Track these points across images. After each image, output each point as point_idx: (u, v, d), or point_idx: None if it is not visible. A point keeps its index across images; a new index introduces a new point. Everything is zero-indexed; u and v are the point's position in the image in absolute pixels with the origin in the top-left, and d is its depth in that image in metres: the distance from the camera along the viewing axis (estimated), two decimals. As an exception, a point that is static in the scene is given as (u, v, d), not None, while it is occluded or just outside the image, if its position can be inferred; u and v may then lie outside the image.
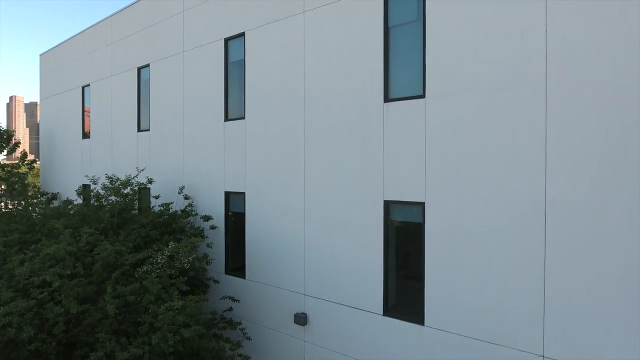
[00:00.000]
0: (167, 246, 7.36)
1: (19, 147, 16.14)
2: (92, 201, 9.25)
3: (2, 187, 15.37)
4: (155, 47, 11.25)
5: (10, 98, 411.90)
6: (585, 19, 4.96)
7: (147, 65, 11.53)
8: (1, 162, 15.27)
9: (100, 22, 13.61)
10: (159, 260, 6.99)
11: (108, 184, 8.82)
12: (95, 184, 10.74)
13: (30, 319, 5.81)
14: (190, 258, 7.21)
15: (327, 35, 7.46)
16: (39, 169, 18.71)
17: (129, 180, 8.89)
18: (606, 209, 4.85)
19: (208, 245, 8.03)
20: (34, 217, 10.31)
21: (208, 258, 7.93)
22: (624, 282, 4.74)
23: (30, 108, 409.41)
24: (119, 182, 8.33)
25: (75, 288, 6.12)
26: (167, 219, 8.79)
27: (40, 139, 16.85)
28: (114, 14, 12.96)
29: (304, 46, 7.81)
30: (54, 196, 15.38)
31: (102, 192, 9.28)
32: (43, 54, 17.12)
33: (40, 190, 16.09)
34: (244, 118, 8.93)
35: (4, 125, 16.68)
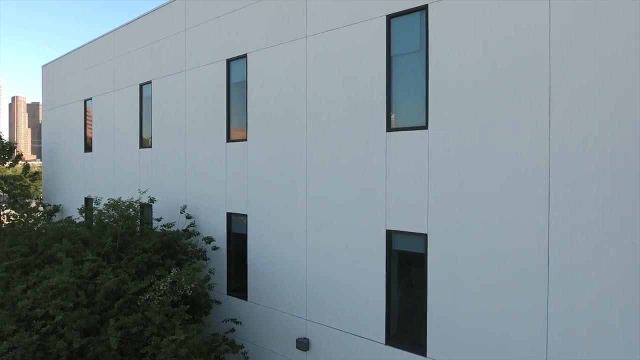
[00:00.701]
0: (170, 272, 7.37)
1: (21, 159, 16.18)
2: (94, 220, 9.24)
3: (4, 196, 15.42)
4: (157, 65, 11.26)
5: (13, 98, 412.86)
6: (590, 50, 4.93)
7: (149, 82, 11.54)
8: (4, 175, 15.28)
9: (102, 36, 13.63)
10: (161, 287, 7.00)
11: (111, 210, 8.84)
12: (98, 204, 10.80)
13: (33, 352, 5.83)
14: (192, 285, 7.21)
15: (329, 61, 7.45)
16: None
17: (131, 204, 8.90)
18: (610, 247, 4.83)
19: (210, 272, 8.02)
20: (36, 234, 10.33)
21: (210, 282, 7.93)
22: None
23: (32, 108, 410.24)
24: (122, 206, 8.33)
25: (78, 321, 6.14)
26: (169, 239, 8.79)
27: (42, 150, 16.89)
28: (116, 29, 12.96)
29: (306, 70, 7.80)
30: (56, 208, 15.42)
31: (105, 211, 9.30)
32: (45, 65, 17.15)
33: (42, 201, 16.15)
34: (246, 140, 8.92)
35: (5, 135, 16.75)
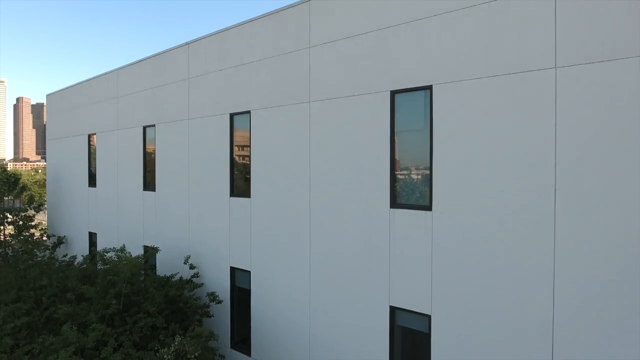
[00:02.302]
0: (174, 339, 7.39)
1: (25, 191, 16.28)
2: (98, 274, 9.26)
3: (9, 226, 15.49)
4: (160, 109, 11.28)
5: (17, 99, 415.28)
6: (594, 130, 4.90)
7: (153, 125, 11.56)
8: (9, 206, 15.38)
9: (106, 73, 13.66)
10: (165, 358, 7.02)
11: (120, 263, 8.91)
12: (106, 254, 10.85)
13: None
14: (196, 354, 7.22)
15: (333, 128, 7.43)
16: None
17: (138, 263, 8.93)
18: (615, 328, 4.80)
19: (212, 337, 8.00)
20: (39, 277, 10.38)
21: (216, 351, 7.96)
22: None
23: (37, 109, 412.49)
24: (126, 272, 8.35)
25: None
26: (173, 296, 8.81)
27: (47, 180, 16.97)
28: (120, 68, 12.99)
29: (309, 134, 7.79)
30: (60, 240, 15.50)
31: (110, 265, 9.33)
32: (50, 94, 17.22)
33: (47, 232, 16.23)
34: (249, 197, 8.93)
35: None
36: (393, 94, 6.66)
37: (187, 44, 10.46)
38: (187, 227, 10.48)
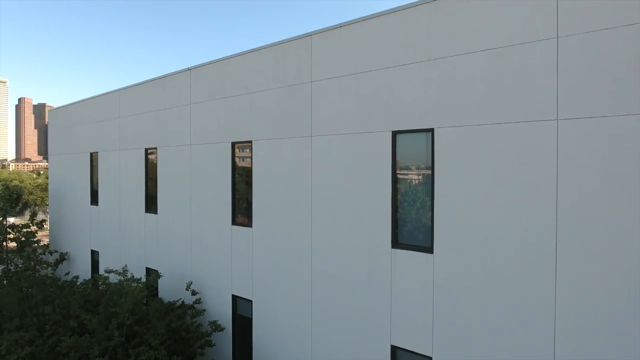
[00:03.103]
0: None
1: (27, 208, 16.34)
2: (102, 303, 9.29)
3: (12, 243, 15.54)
4: (162, 133, 11.31)
5: (19, 100, 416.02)
6: (595, 179, 4.91)
7: (155, 148, 11.59)
8: (12, 223, 15.43)
9: (108, 93, 13.71)
10: (167, 394, 7.06)
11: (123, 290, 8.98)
12: (108, 274, 10.94)
13: None
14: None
15: (334, 164, 7.45)
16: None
17: (140, 293, 8.96)
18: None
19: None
20: (42, 301, 10.42)
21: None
22: None
23: (39, 109, 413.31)
24: (128, 305, 8.38)
25: None
26: (176, 326, 8.84)
27: (49, 195, 17.02)
28: (121, 89, 13.03)
29: (311, 168, 7.81)
30: (62, 257, 15.55)
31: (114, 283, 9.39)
32: (52, 110, 17.29)
33: (49, 249, 16.28)
34: (251, 227, 8.95)
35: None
36: (395, 134, 6.67)
37: (188, 69, 10.49)
38: (189, 252, 10.51)
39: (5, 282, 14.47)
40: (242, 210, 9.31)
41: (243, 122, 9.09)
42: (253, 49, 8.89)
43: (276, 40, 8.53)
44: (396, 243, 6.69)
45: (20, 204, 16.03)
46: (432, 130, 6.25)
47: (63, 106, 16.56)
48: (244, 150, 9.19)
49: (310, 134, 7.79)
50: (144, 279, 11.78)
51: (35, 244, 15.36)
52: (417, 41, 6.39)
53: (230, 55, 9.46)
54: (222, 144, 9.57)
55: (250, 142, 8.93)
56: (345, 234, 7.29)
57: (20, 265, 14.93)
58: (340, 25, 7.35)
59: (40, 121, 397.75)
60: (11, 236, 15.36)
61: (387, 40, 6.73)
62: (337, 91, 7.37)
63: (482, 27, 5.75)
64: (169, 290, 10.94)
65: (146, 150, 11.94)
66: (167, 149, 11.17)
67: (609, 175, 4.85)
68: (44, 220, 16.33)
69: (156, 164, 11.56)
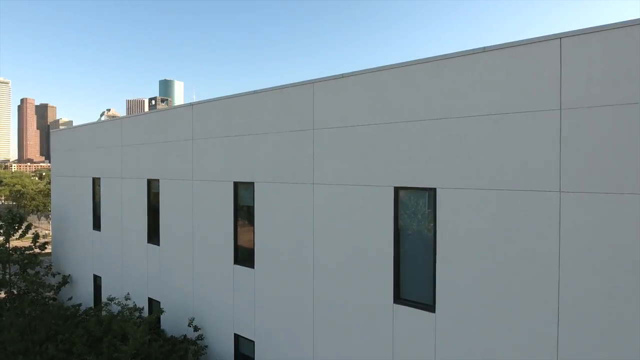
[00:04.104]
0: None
1: (30, 230, 16.36)
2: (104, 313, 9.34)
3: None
4: (164, 166, 11.33)
5: (22, 100, 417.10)
6: (598, 250, 4.91)
7: (157, 180, 11.61)
8: (15, 246, 15.44)
9: (110, 120, 13.73)
10: None
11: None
12: (110, 301, 11.01)
13: None
14: None
15: (336, 214, 7.45)
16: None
17: (143, 336, 8.99)
18: None
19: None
20: (45, 336, 10.46)
21: None
22: None
23: (41, 110, 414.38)
24: (131, 342, 8.43)
25: None
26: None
27: (52, 216, 17.04)
28: (123, 117, 13.06)
29: (313, 215, 7.81)
30: (65, 280, 15.60)
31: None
32: (54, 130, 17.33)
33: (52, 270, 16.31)
34: (253, 267, 8.96)
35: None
36: (397, 189, 6.67)
37: (190, 104, 10.51)
38: (191, 287, 10.53)
39: (8, 304, 14.54)
40: (244, 250, 9.32)
41: (245, 163, 9.09)
42: (254, 91, 8.90)
43: (278, 85, 8.50)
44: (398, 298, 6.69)
45: (23, 227, 15.95)
46: (434, 190, 6.25)
47: (66, 128, 16.60)
48: (247, 189, 9.20)
49: (313, 181, 7.79)
50: (146, 309, 11.85)
51: (38, 265, 15.41)
52: (421, 98, 6.38)
53: (232, 95, 9.47)
54: (224, 183, 9.58)
55: (253, 183, 8.94)
56: (347, 283, 7.29)
57: (23, 288, 15.02)
58: (343, 76, 7.35)
59: (43, 121, 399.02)
60: (14, 258, 15.39)
61: (391, 94, 6.72)
62: (339, 141, 7.37)
63: (487, 90, 5.74)
64: (171, 322, 10.96)
65: (148, 181, 11.96)
66: (169, 181, 11.18)
67: (611, 251, 4.84)
68: (46, 243, 16.38)
69: (159, 195, 11.58)
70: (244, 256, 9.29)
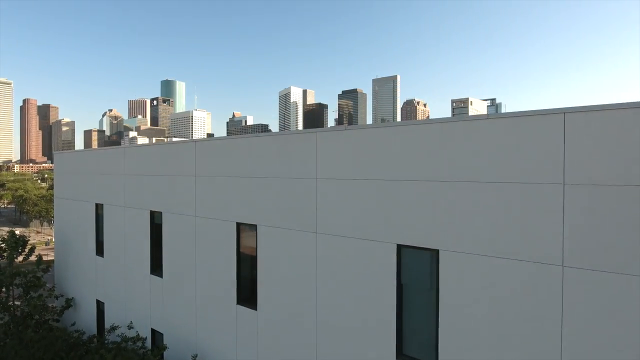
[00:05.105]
0: None
1: (34, 252, 16.43)
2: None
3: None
4: (167, 199, 11.36)
5: (24, 101, 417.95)
6: (599, 324, 4.92)
7: (160, 212, 11.65)
8: (19, 269, 15.51)
9: (113, 148, 13.77)
10: None
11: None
12: (113, 330, 11.07)
13: None
14: None
15: (339, 266, 7.47)
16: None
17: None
18: None
19: None
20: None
21: None
22: None
23: (43, 110, 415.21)
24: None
25: None
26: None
27: (55, 240, 17.10)
28: (127, 146, 13.09)
29: (316, 264, 7.83)
30: (68, 304, 15.65)
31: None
32: (58, 152, 17.38)
33: (55, 293, 16.38)
34: (255, 309, 8.99)
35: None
36: (400, 247, 6.69)
37: (193, 141, 10.54)
38: (195, 322, 10.57)
39: (12, 327, 14.60)
40: (247, 291, 9.35)
41: (248, 205, 9.12)
42: (256, 134, 8.92)
43: (280, 132, 8.53)
44: (400, 354, 6.72)
45: (26, 249, 16.03)
46: (437, 252, 6.27)
47: (68, 152, 16.65)
48: (250, 231, 9.22)
49: (315, 230, 7.81)
50: (149, 339, 11.89)
51: (41, 288, 15.46)
52: (424, 158, 6.40)
53: (235, 136, 9.49)
54: (227, 222, 9.61)
55: (255, 226, 8.97)
56: (350, 336, 7.31)
57: (26, 311, 15.07)
58: (345, 129, 7.37)
59: (45, 122, 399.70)
60: (17, 282, 15.46)
61: (395, 151, 6.73)
62: (343, 194, 7.38)
63: (491, 159, 5.75)
64: (174, 355, 11.00)
65: (151, 212, 11.99)
66: (172, 215, 11.21)
67: (612, 330, 4.85)
68: (49, 266, 16.42)
69: (161, 227, 11.61)
70: (247, 296, 9.32)
